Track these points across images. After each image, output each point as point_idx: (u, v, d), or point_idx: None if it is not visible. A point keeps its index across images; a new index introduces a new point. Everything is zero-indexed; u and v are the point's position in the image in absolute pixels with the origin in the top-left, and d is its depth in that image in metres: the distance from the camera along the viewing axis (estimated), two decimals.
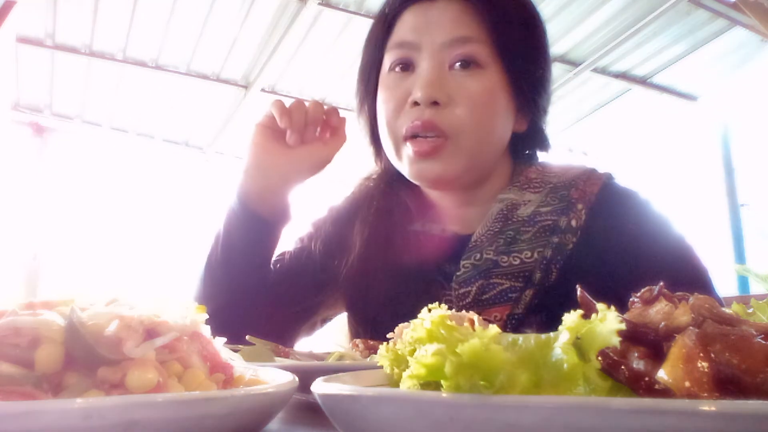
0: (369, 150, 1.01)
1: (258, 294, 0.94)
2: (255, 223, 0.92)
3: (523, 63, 0.87)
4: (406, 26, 0.88)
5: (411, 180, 0.90)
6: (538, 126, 0.94)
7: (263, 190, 0.92)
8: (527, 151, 0.99)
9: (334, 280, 0.97)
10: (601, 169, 0.94)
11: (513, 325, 0.83)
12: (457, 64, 0.84)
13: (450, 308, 0.38)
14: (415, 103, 0.84)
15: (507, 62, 0.85)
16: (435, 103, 0.83)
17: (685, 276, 0.82)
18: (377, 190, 1.00)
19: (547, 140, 0.97)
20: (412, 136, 0.85)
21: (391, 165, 0.94)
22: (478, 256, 0.85)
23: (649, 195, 0.92)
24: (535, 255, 0.83)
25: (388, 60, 0.90)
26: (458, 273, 0.86)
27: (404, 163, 0.88)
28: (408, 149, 0.85)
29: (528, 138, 0.95)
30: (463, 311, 0.60)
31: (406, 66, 0.88)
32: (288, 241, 1.04)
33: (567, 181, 0.90)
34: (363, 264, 0.95)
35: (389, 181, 0.99)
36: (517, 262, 0.83)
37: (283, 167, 0.92)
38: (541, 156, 1.00)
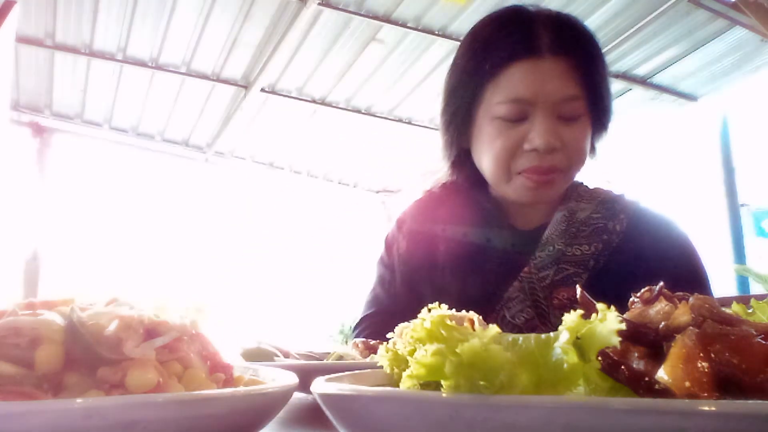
0: (448, 167, 1.17)
1: None
2: None
3: (605, 107, 1.08)
4: (517, 81, 1.01)
5: (518, 200, 1.08)
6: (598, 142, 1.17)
7: None
8: None
9: (420, 286, 1.13)
10: (629, 196, 1.18)
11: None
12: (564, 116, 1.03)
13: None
14: (533, 149, 1.01)
15: (596, 111, 1.06)
16: (551, 149, 1.02)
17: (685, 276, 1.00)
18: (449, 199, 1.19)
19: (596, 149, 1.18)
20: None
21: (464, 178, 1.15)
22: (551, 248, 1.07)
23: (669, 214, 1.16)
24: (591, 248, 1.06)
25: (500, 110, 1.03)
26: (536, 261, 1.06)
27: (514, 188, 1.07)
28: (523, 179, 1.04)
29: None
30: (469, 312, 0.61)
31: (519, 115, 1.03)
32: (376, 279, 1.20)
33: (611, 197, 1.15)
34: (443, 264, 1.11)
35: (458, 189, 1.18)
36: (579, 252, 1.06)
37: None
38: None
